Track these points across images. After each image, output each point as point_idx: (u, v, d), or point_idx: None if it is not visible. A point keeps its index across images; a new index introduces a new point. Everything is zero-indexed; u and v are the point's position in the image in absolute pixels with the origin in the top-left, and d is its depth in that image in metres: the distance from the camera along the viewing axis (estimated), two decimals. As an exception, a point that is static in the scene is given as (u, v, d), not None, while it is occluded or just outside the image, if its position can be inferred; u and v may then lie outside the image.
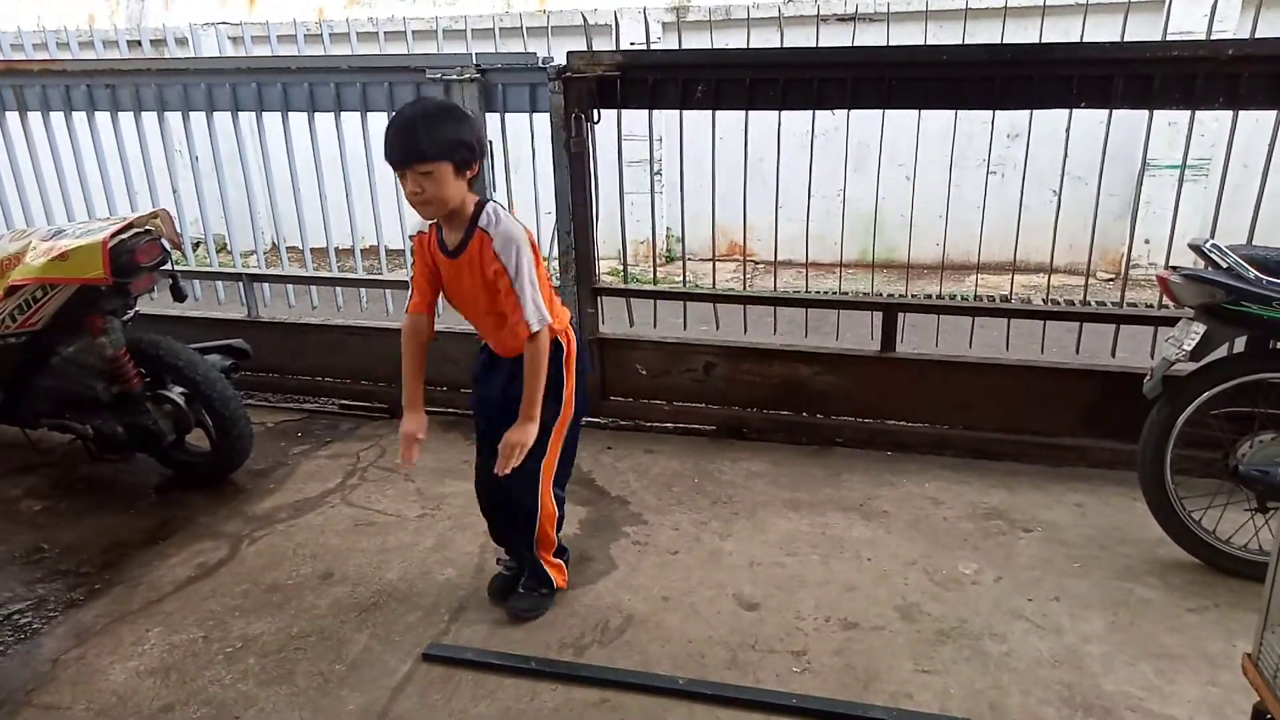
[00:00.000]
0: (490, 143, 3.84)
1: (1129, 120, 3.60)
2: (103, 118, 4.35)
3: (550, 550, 2.66)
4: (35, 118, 4.42)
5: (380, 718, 2.25)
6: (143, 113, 4.27)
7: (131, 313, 3.41)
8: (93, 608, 2.76)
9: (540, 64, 3.65)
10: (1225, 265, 2.66)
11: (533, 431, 2.29)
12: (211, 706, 2.31)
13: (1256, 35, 3.13)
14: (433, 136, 2.12)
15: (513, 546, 2.71)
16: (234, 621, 2.67)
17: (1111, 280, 7.48)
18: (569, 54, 3.63)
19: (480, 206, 2.26)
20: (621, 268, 4.33)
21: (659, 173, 7.16)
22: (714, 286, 4.41)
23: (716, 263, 4.37)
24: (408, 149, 2.12)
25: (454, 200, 2.20)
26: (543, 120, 3.76)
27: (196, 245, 4.76)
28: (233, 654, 2.52)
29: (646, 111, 3.78)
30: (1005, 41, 3.43)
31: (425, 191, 2.15)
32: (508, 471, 2.29)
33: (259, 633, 2.61)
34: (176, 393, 3.39)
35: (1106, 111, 3.30)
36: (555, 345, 2.35)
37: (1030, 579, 2.81)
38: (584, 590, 2.78)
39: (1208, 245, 2.71)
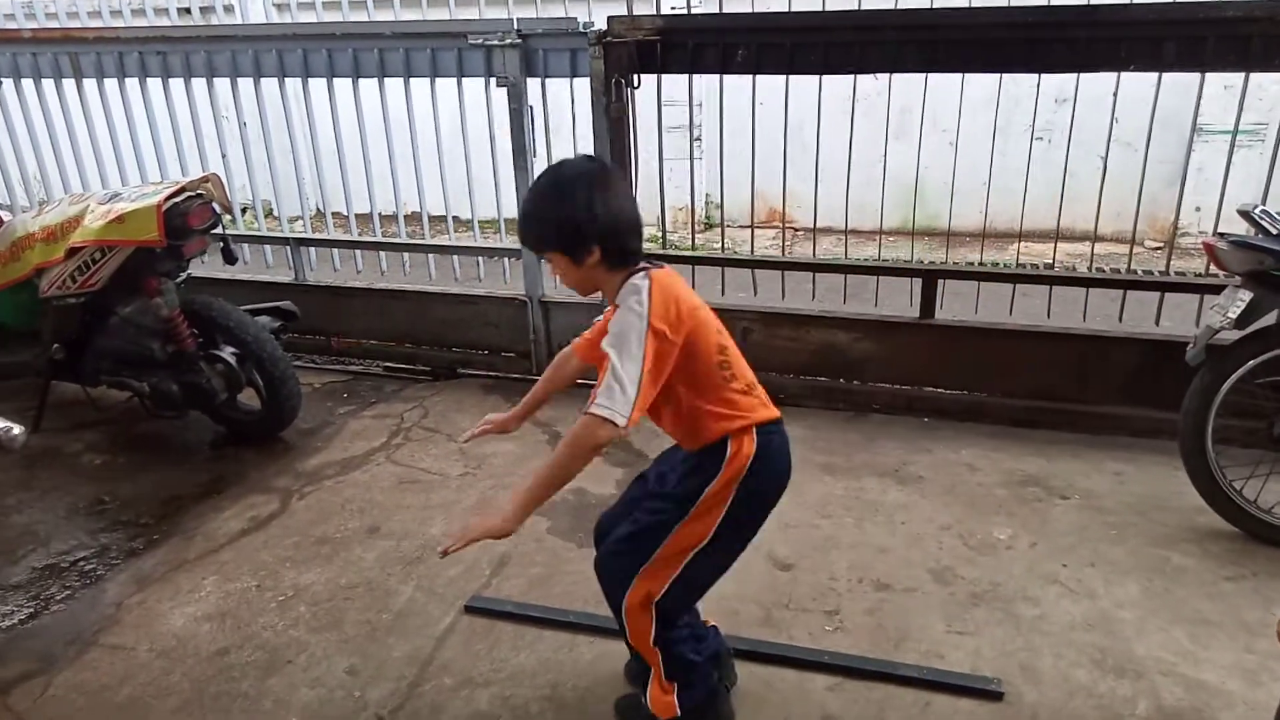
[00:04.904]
0: (531, 108, 3.88)
1: (1181, 84, 3.51)
2: (154, 84, 4.45)
3: (656, 662, 2.02)
4: (90, 84, 4.53)
5: (425, 665, 2.34)
6: (192, 79, 4.35)
7: (184, 275, 3.51)
8: (152, 556, 2.89)
9: (581, 28, 3.66)
10: (1275, 232, 2.62)
11: (493, 527, 1.77)
12: (265, 650, 2.42)
13: (1317, -6, 3.04)
14: (527, 227, 1.89)
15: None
16: (285, 571, 2.78)
17: (1160, 249, 7.33)
18: (609, 18, 3.63)
19: (627, 279, 1.83)
20: (660, 234, 4.35)
21: (699, 138, 7.13)
22: (752, 253, 4.40)
23: (755, 229, 4.36)
24: (520, 235, 1.93)
25: (587, 285, 1.91)
26: (583, 85, 3.78)
27: (244, 210, 4.87)
28: (284, 602, 2.63)
29: (686, 76, 3.78)
30: (1053, 2, 3.36)
31: (558, 274, 1.92)
32: (446, 547, 1.80)
33: (309, 582, 2.71)
34: (228, 353, 3.50)
35: (1157, 75, 3.23)
36: (721, 445, 1.88)
37: (1065, 545, 2.82)
38: (621, 548, 2.84)
39: (1258, 211, 2.67)
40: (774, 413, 1.96)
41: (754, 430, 1.89)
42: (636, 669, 2.19)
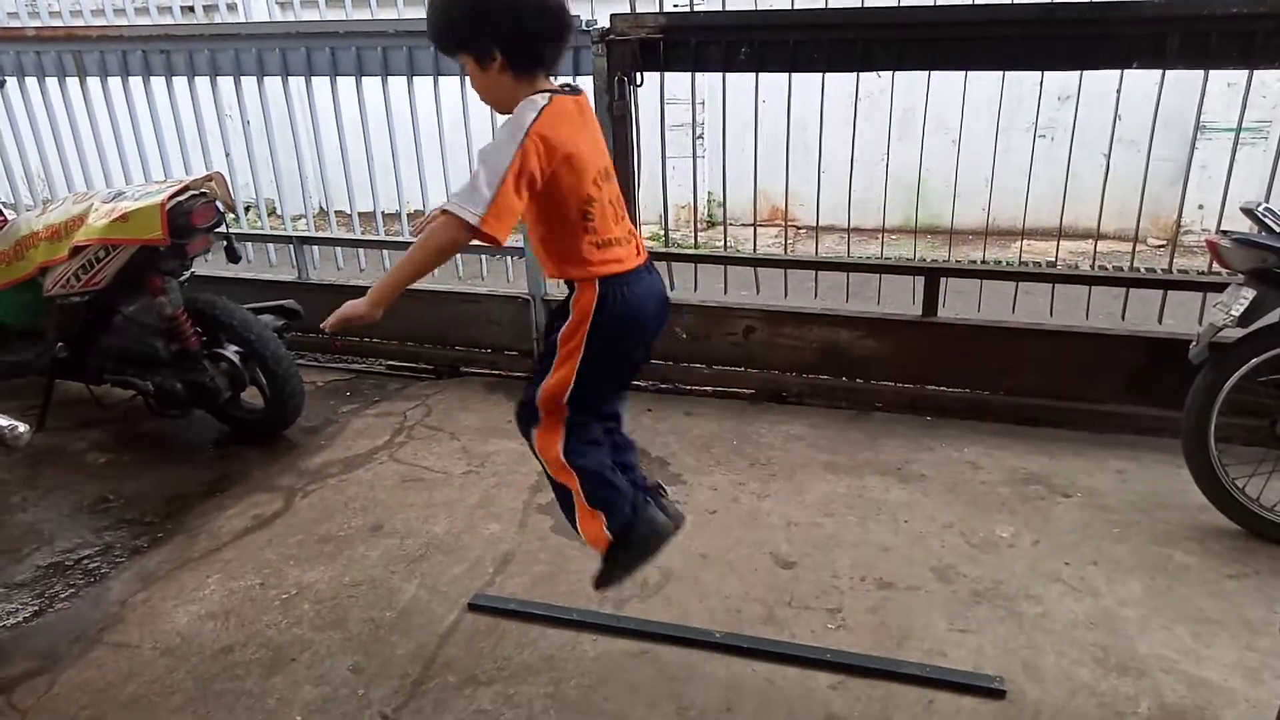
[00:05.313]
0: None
1: (1184, 81, 3.51)
2: (158, 82, 4.45)
3: (574, 483, 2.09)
4: (94, 83, 4.53)
5: (429, 663, 2.35)
6: (196, 77, 4.36)
7: (188, 273, 3.51)
8: (156, 555, 2.90)
9: (583, 26, 3.65)
10: (1279, 229, 2.62)
11: (358, 312, 1.95)
12: (269, 649, 2.42)
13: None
14: (430, 24, 1.87)
15: None
16: (289, 570, 2.78)
17: (1163, 247, 7.31)
18: (612, 16, 3.63)
19: (533, 95, 1.84)
20: (663, 232, 4.35)
21: (701, 137, 7.12)
22: (755, 251, 4.40)
23: (758, 227, 4.36)
24: (429, 34, 1.90)
25: (497, 96, 1.88)
26: (586, 83, 3.77)
27: (248, 208, 4.87)
28: (288, 600, 2.63)
29: (689, 74, 3.78)
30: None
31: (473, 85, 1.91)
32: (326, 323, 2.01)
33: (313, 581, 2.72)
34: (232, 351, 3.51)
35: (1160, 72, 3.23)
36: (571, 291, 1.99)
37: (1068, 543, 2.82)
38: (624, 546, 2.85)
39: (1260, 209, 2.66)
40: (625, 265, 1.98)
41: (596, 282, 1.93)
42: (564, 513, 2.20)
